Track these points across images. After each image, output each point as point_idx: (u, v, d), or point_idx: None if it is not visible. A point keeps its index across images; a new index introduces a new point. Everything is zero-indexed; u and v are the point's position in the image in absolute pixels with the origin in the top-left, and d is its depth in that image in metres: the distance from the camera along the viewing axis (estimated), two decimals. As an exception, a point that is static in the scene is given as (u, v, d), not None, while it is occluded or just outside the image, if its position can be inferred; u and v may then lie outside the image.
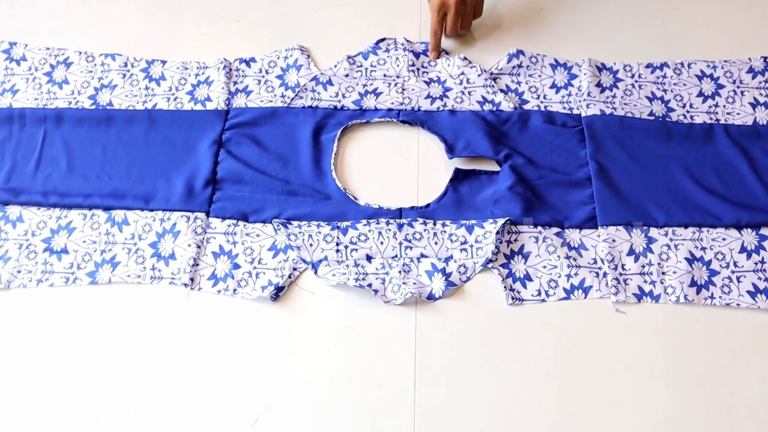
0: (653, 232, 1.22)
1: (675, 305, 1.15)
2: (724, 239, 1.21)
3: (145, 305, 1.17)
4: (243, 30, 1.49)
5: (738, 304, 1.15)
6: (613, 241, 1.20)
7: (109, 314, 1.16)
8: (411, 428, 1.05)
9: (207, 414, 1.07)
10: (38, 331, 1.15)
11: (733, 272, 1.18)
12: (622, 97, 1.37)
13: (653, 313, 1.15)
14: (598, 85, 1.38)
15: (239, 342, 1.13)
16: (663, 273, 1.18)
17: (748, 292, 1.16)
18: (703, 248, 1.20)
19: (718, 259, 1.19)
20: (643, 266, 1.19)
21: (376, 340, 1.13)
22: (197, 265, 1.19)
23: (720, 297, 1.16)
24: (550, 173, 1.28)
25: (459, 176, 1.28)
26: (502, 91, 1.38)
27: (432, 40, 1.43)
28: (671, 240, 1.21)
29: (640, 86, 1.39)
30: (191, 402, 1.08)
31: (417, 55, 1.44)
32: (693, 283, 1.16)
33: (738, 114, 1.35)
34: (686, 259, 1.19)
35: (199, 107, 1.37)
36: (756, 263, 1.19)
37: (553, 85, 1.39)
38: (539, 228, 1.22)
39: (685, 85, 1.39)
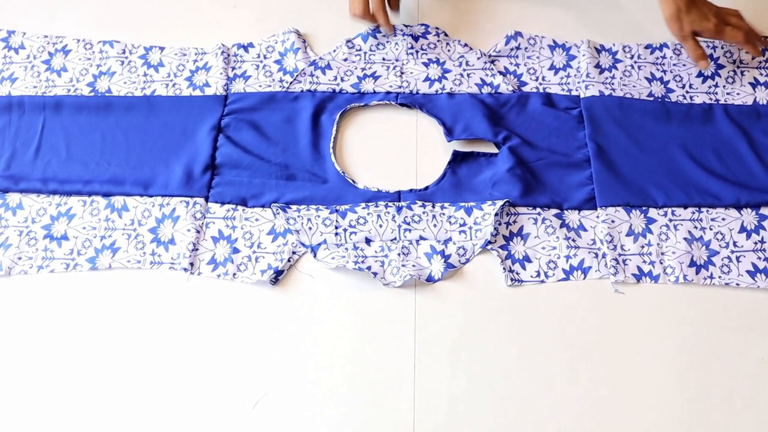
0: (652, 212, 1.22)
1: (674, 285, 1.15)
2: (723, 219, 1.21)
3: (146, 290, 1.17)
4: (240, 15, 1.49)
5: (737, 284, 1.15)
6: (612, 221, 1.20)
7: (110, 299, 1.16)
8: (411, 411, 1.06)
9: (207, 398, 1.08)
10: (40, 317, 1.15)
11: (732, 252, 1.18)
12: (621, 78, 1.37)
13: (652, 293, 1.15)
14: (597, 66, 1.38)
15: (239, 326, 1.13)
16: (662, 253, 1.18)
17: (748, 271, 1.16)
18: (703, 228, 1.20)
19: (717, 239, 1.19)
20: (642, 247, 1.19)
21: (376, 323, 1.13)
22: (197, 250, 1.19)
23: (719, 277, 1.16)
24: (548, 155, 1.28)
25: (457, 159, 1.28)
26: (500, 73, 1.38)
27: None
28: (670, 220, 1.21)
29: (639, 67, 1.38)
30: (191, 386, 1.09)
31: (416, 38, 1.43)
32: (692, 263, 1.16)
33: (738, 94, 1.35)
34: (685, 239, 1.19)
35: (197, 93, 1.37)
36: (756, 243, 1.19)
37: (552, 67, 1.39)
38: (538, 209, 1.22)
39: (684, 65, 1.39)
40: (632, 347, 1.10)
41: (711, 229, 1.20)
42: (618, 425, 1.05)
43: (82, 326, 1.14)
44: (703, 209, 1.22)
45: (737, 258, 1.18)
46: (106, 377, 1.10)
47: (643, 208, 1.22)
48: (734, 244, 1.19)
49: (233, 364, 1.10)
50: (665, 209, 1.22)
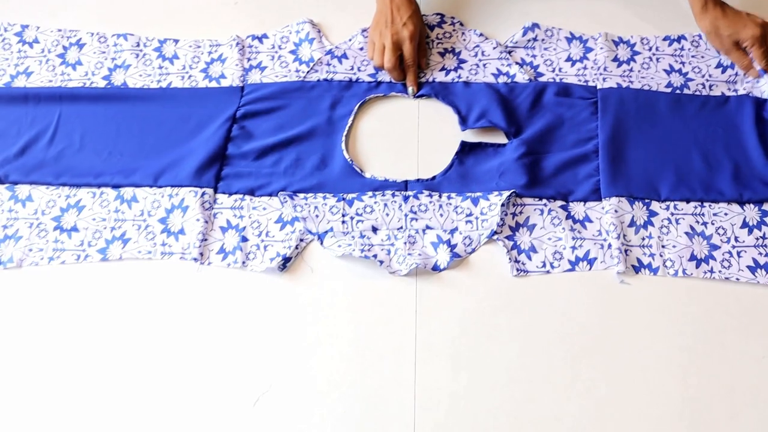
0: (654, 205, 1.21)
1: (676, 284, 1.14)
2: (726, 214, 1.20)
3: (156, 280, 1.18)
4: (251, 7, 1.49)
5: (737, 279, 1.14)
6: (615, 212, 1.19)
7: (121, 290, 1.18)
8: (411, 406, 1.06)
9: (209, 392, 1.09)
10: (51, 308, 1.17)
11: (734, 247, 1.17)
12: (639, 70, 1.35)
13: (653, 291, 1.14)
14: (615, 59, 1.37)
15: (238, 323, 1.14)
16: (663, 246, 1.17)
17: (748, 267, 1.15)
18: (705, 223, 1.19)
19: (719, 233, 1.18)
20: (643, 239, 1.18)
21: (377, 320, 1.13)
22: (206, 240, 1.20)
23: (720, 271, 1.15)
24: (558, 146, 1.28)
25: (465, 149, 1.28)
26: (517, 63, 1.37)
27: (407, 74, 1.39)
28: (672, 214, 1.20)
29: (657, 59, 1.37)
30: (199, 377, 1.10)
31: (431, 27, 1.43)
32: (692, 257, 1.15)
33: (758, 82, 1.33)
34: (686, 233, 1.18)
35: (214, 84, 1.38)
36: (757, 239, 1.18)
37: (569, 59, 1.38)
38: (544, 201, 1.21)
39: (703, 57, 1.37)
40: (633, 345, 1.09)
41: (713, 224, 1.19)
42: (618, 423, 1.04)
43: (93, 317, 1.16)
44: (706, 204, 1.21)
45: (738, 253, 1.16)
46: (116, 368, 1.11)
47: (646, 201, 1.21)
48: (735, 239, 1.18)
49: (232, 363, 1.11)
50: (668, 203, 1.21)
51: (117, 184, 1.26)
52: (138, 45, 1.43)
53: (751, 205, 1.20)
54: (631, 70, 1.35)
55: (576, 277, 1.15)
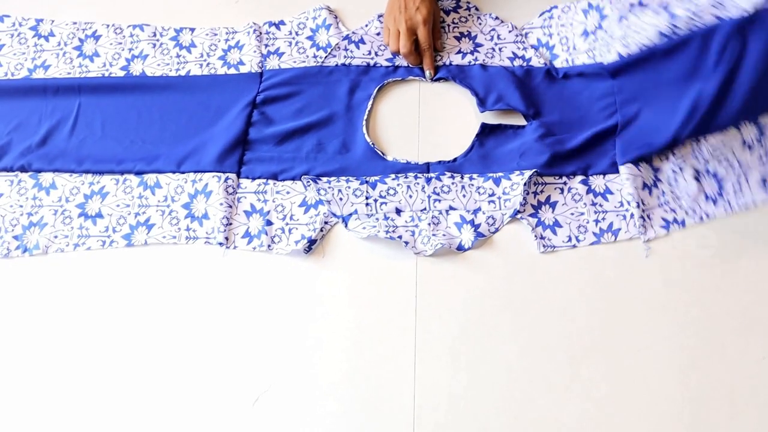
0: (655, 161, 1.21)
1: (675, 284, 1.14)
2: (724, 144, 1.19)
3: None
4: (251, 7, 1.49)
5: (754, 203, 1.15)
6: (627, 179, 1.20)
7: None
8: (411, 407, 1.06)
9: (216, 383, 1.10)
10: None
11: (740, 175, 1.18)
12: (634, 24, 1.26)
13: (653, 292, 1.13)
14: (620, 18, 1.30)
15: (238, 320, 1.15)
16: (678, 198, 1.18)
17: (759, 184, 1.16)
18: (706, 160, 1.19)
19: (722, 165, 1.18)
20: (659, 197, 1.19)
21: (381, 314, 1.14)
22: (230, 224, 1.21)
23: (737, 204, 1.16)
24: (577, 126, 1.28)
25: (485, 131, 1.28)
26: (532, 47, 1.38)
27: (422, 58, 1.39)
28: (673, 163, 1.20)
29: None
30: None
31: (447, 12, 1.44)
32: (708, 198, 1.16)
33: None
34: (694, 177, 1.18)
35: (232, 71, 1.39)
36: (760, 156, 1.17)
37: (584, 32, 1.37)
38: (564, 179, 1.22)
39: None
40: (633, 345, 1.09)
41: (714, 158, 1.18)
42: (618, 423, 1.04)
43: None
44: (701, 139, 1.19)
45: (745, 175, 1.17)
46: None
47: (647, 159, 1.21)
48: (739, 163, 1.18)
49: (230, 364, 1.11)
50: (667, 153, 1.21)
51: (140, 171, 1.27)
52: (155, 35, 1.43)
53: (747, 123, 1.18)
54: (629, 26, 1.27)
55: (576, 277, 1.15)
